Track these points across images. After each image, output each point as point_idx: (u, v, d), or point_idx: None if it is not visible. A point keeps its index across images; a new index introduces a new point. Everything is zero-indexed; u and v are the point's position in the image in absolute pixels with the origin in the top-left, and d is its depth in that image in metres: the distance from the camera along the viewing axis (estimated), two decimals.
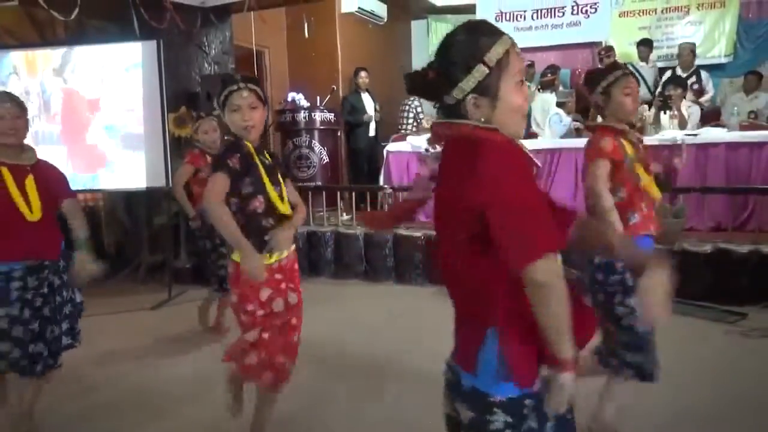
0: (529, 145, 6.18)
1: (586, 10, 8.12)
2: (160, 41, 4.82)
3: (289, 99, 6.61)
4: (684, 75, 6.69)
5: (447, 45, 1.25)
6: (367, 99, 7.07)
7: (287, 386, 2.43)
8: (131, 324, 4.36)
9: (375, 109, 7.09)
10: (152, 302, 4.75)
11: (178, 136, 5.29)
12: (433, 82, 1.25)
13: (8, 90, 3.03)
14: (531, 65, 7.72)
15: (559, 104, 6.20)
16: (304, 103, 6.50)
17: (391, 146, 6.22)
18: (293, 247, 2.37)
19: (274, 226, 2.23)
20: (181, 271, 5.36)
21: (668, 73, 6.86)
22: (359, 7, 7.88)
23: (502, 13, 8.48)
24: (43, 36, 5.44)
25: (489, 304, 1.21)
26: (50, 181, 2.51)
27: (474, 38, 1.22)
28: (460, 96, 1.22)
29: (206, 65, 5.85)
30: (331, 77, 7.41)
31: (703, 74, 6.84)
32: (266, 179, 2.22)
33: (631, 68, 3.51)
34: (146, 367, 3.54)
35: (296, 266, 2.38)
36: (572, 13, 8.18)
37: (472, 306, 1.28)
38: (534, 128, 6.33)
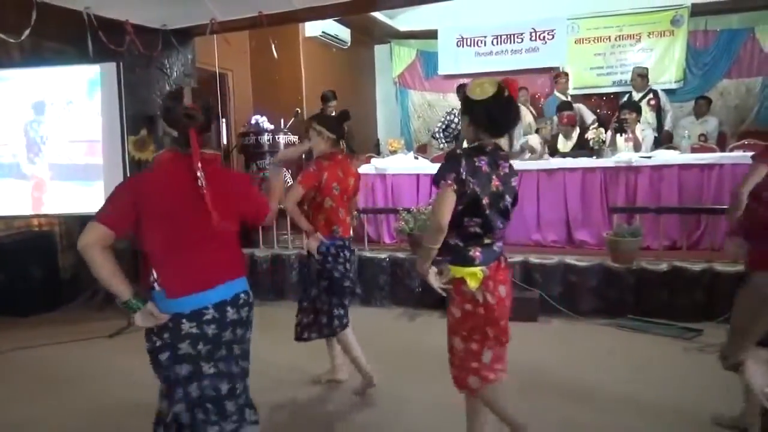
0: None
1: (544, 37, 8.43)
2: (119, 63, 4.75)
3: (253, 122, 6.57)
4: (638, 96, 6.91)
5: None
6: None
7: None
8: (87, 352, 4.21)
9: None
10: (110, 330, 4.60)
11: (138, 159, 5.19)
12: None
13: None
14: None
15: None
16: (268, 125, 6.47)
17: None
18: None
19: None
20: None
21: (625, 98, 7.09)
22: (323, 32, 7.95)
23: (463, 38, 8.70)
24: None
25: None
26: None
27: None
28: None
29: (167, 87, 5.77)
30: (295, 100, 7.41)
31: (661, 93, 7.09)
32: None
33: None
34: (99, 395, 3.41)
35: None
36: (531, 40, 8.49)
37: None
38: None
